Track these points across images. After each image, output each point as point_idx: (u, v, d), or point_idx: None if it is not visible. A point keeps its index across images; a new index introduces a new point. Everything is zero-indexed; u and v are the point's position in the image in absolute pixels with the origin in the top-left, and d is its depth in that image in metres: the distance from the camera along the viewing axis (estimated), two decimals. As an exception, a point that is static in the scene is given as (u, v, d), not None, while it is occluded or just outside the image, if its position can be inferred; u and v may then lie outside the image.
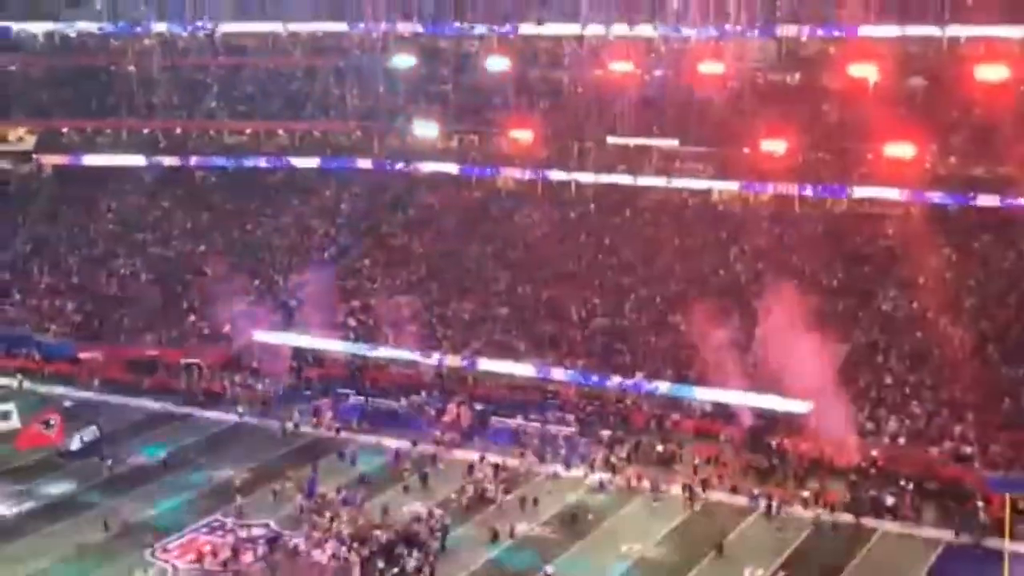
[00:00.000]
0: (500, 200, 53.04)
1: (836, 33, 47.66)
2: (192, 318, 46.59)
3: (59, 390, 42.55)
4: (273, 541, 30.53)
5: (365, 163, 53.56)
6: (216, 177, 55.31)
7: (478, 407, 40.00)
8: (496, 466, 35.03)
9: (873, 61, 47.07)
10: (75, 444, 36.74)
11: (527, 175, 52.42)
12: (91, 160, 55.01)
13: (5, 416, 38.78)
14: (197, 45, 55.49)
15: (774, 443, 35.82)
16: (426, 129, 53.87)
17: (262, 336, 43.97)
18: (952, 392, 36.69)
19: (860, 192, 46.50)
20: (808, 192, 47.24)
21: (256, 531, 31.40)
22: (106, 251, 52.10)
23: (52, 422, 36.87)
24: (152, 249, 51.94)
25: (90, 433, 37.42)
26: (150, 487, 34.40)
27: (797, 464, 34.74)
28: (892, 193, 45.79)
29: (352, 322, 45.51)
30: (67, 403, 40.02)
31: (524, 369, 41.26)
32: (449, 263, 48.69)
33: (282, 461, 36.09)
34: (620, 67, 52.45)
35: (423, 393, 41.23)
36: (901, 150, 45.16)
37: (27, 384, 43.22)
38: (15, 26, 56.36)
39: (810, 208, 47.91)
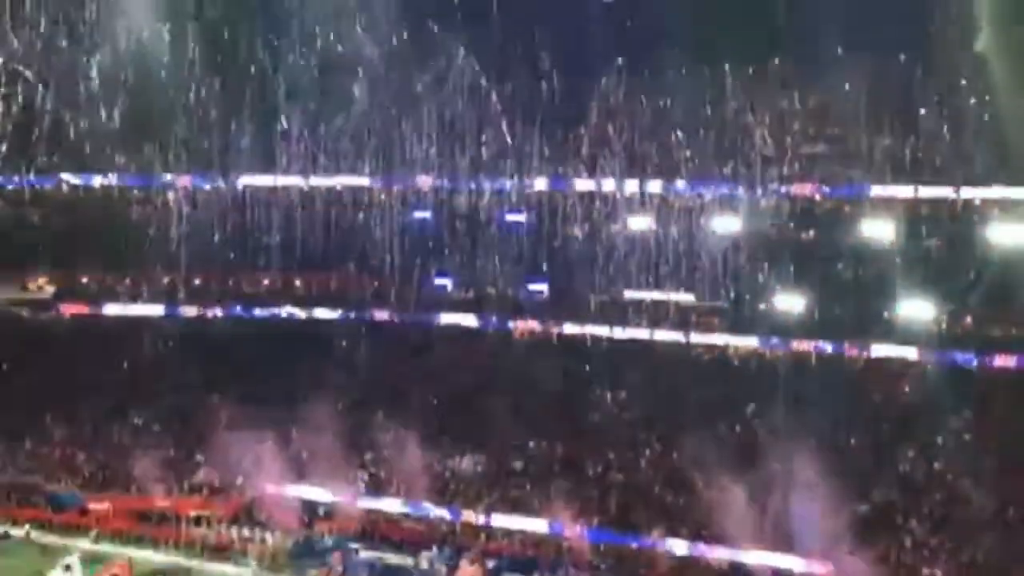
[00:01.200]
0: (516, 352, 53.43)
1: (850, 193, 48.19)
2: (203, 470, 46.29)
3: (67, 541, 41.81)
4: None
5: (382, 315, 53.98)
6: (233, 327, 55.59)
7: (491, 564, 39.35)
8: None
9: (888, 221, 48.00)
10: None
11: (544, 328, 53.00)
12: (110, 310, 55.46)
13: (68, 569, 37.90)
14: (219, 198, 56.27)
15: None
16: (444, 281, 54.65)
17: (273, 488, 43.50)
18: (973, 555, 36.29)
19: (877, 350, 46.94)
20: (825, 348, 47.71)
21: None
22: (120, 400, 51.89)
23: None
24: (167, 399, 52.29)
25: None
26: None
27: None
28: (909, 351, 46.27)
29: (364, 475, 45.22)
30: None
31: (538, 525, 40.89)
32: (464, 415, 48.78)
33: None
34: (636, 222, 53.39)
35: (435, 548, 40.64)
36: (917, 309, 46.18)
37: (35, 534, 42.52)
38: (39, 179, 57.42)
39: (827, 364, 48.56)
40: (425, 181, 54.91)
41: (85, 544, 42.10)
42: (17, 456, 49.17)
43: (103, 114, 51.56)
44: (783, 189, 48.79)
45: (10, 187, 54.21)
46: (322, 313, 54.92)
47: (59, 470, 47.69)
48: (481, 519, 41.90)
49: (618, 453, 44.74)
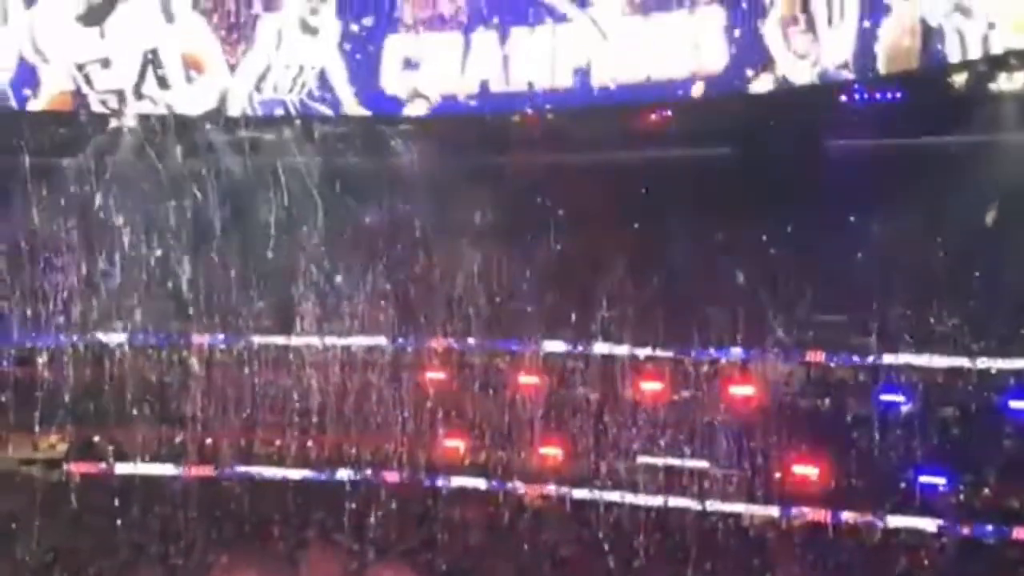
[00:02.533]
0: (527, 517, 52.88)
1: (864, 361, 48.18)
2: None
3: None
4: None
5: (392, 476, 53.61)
6: (241, 487, 55.22)
7: None
8: None
9: (903, 390, 47.88)
10: None
11: (555, 492, 52.51)
12: (121, 469, 55.20)
13: None
14: (235, 357, 56.46)
15: None
16: (454, 443, 54.42)
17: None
18: None
19: (894, 521, 46.34)
20: (842, 519, 47.15)
21: None
22: (126, 562, 51.14)
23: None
24: (173, 560, 51.43)
25: None
26: None
27: None
28: (927, 523, 45.66)
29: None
30: None
31: None
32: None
33: None
34: (650, 386, 53.36)
35: None
36: (935, 479, 45.62)
37: None
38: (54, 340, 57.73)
39: (844, 535, 47.88)
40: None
41: None
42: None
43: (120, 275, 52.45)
44: (797, 355, 48.98)
45: (27, 345, 54.57)
46: (343, 474, 54.33)
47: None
48: None
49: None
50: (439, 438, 53.12)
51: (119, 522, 53.07)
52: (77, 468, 56.68)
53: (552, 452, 51.84)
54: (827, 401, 49.27)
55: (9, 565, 48.98)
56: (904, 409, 47.11)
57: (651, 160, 51.92)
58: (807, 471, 47.07)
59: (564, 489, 51.11)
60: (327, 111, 51.11)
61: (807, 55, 45.89)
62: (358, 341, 54.00)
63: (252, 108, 50.94)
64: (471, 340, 53.01)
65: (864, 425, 47.39)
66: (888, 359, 47.35)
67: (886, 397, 47.22)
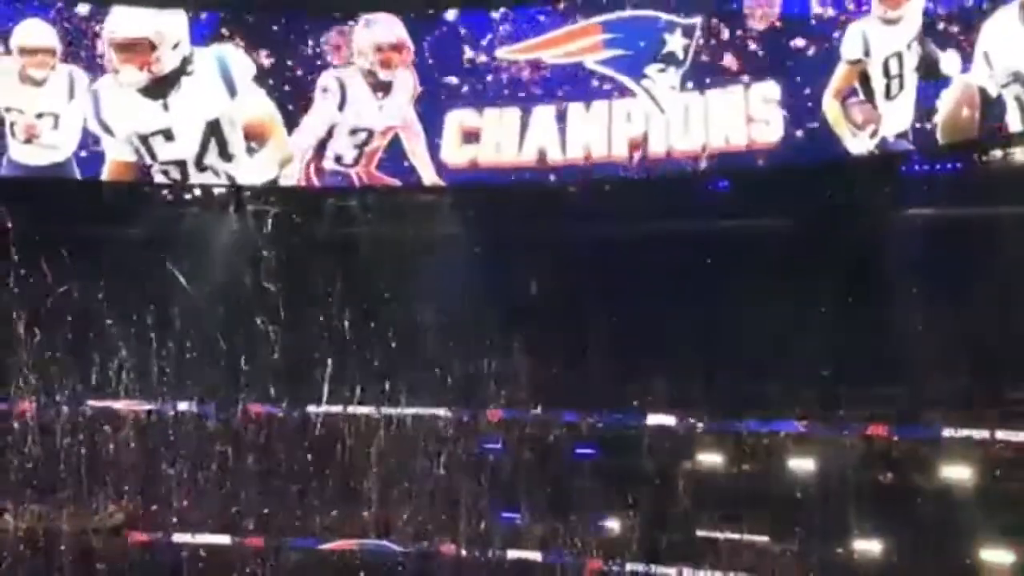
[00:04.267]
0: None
1: (925, 435, 47.43)
2: None
3: None
4: None
5: (448, 549, 53.32)
6: (299, 558, 55.07)
7: None
8: None
9: (965, 464, 46.98)
10: None
11: (614, 567, 51.95)
12: (178, 538, 55.33)
13: None
14: (292, 428, 56.57)
15: None
16: (511, 516, 54.04)
17: None
18: None
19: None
20: (905, 595, 46.22)
21: None
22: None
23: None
24: None
25: None
26: None
27: None
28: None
29: None
30: None
31: None
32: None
33: None
34: (708, 458, 52.84)
35: None
36: (1000, 556, 44.62)
37: None
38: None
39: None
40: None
41: None
42: None
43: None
44: (858, 429, 48.35)
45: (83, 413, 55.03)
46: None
47: None
48: None
49: None
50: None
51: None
52: (134, 537, 57.05)
53: (609, 525, 51.54)
54: (889, 475, 48.61)
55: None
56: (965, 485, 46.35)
57: (708, 232, 51.85)
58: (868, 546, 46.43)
59: (621, 562, 50.80)
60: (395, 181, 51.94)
61: (865, 126, 45.94)
62: (419, 411, 54.11)
63: (314, 178, 51.80)
64: (528, 410, 52.88)
65: (927, 501, 46.78)
66: (950, 432, 46.78)
67: (947, 472, 46.49)
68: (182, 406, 54.52)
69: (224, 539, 55.29)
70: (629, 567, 50.23)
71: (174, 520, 54.80)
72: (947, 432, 46.35)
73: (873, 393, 48.02)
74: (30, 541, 54.27)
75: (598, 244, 52.81)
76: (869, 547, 45.96)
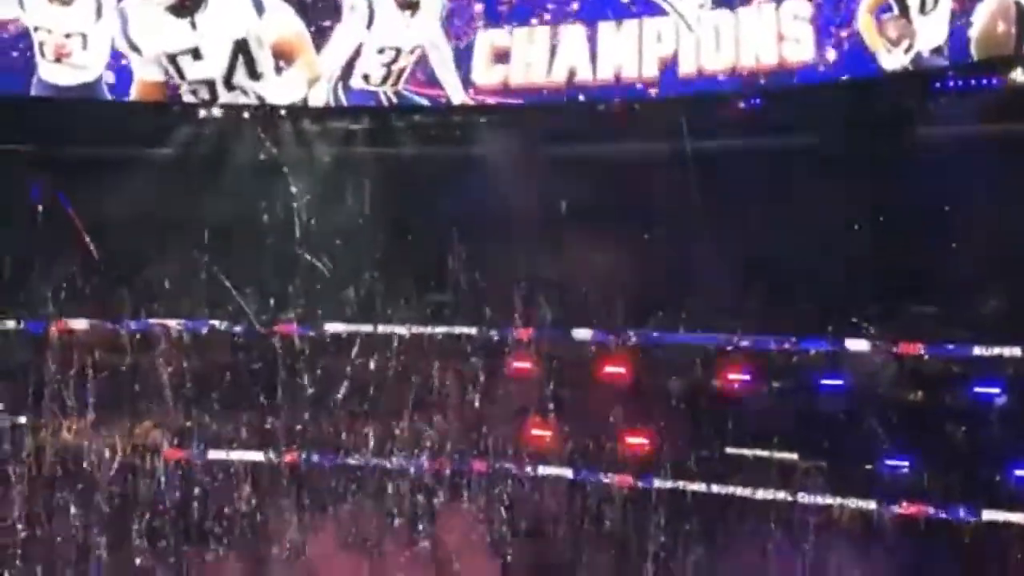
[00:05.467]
0: (614, 507, 52.75)
1: (958, 353, 47.43)
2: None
3: None
4: None
5: (480, 466, 53.77)
6: (328, 474, 55.68)
7: None
8: None
9: (998, 382, 46.99)
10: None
11: (641, 482, 52.37)
12: (213, 455, 55.98)
13: None
14: (317, 346, 56.81)
15: None
16: (542, 432, 54.39)
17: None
18: None
19: (988, 515, 45.53)
20: (934, 512, 46.43)
21: None
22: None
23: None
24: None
25: None
26: None
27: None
28: (1021, 517, 44.78)
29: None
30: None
31: None
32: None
33: None
34: (738, 377, 52.93)
35: None
36: (1030, 472, 44.92)
37: None
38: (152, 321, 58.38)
39: (936, 529, 47.09)
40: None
41: None
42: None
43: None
44: (890, 347, 48.38)
45: (122, 331, 55.44)
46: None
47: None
48: None
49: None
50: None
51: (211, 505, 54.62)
52: (170, 454, 57.78)
53: (639, 442, 51.79)
54: (920, 394, 48.69)
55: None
56: (999, 402, 46.47)
57: (739, 149, 51.72)
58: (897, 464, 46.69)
59: (650, 479, 51.20)
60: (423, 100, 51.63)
61: (900, 42, 45.48)
62: (449, 329, 54.41)
63: (340, 98, 51.79)
64: (560, 331, 53.08)
65: (958, 419, 46.92)
66: (981, 351, 46.76)
67: (981, 390, 46.54)
68: (216, 324, 54.88)
69: (258, 456, 56.02)
70: (658, 483, 50.63)
71: (209, 438, 55.55)
72: (978, 350, 46.45)
73: (905, 311, 48.06)
74: (66, 458, 55.13)
75: (628, 163, 52.66)
76: (898, 465, 46.14)
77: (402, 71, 51.00)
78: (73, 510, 49.51)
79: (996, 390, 46.02)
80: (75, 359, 51.81)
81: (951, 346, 46.72)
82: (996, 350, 45.85)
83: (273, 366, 54.56)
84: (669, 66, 49.45)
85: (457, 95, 51.28)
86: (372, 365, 53.96)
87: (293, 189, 53.69)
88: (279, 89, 50.88)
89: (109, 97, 50.64)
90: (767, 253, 49.12)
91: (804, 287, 48.85)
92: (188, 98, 51.26)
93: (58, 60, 49.54)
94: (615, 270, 51.49)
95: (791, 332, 49.04)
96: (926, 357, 47.84)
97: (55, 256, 51.12)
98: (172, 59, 50.18)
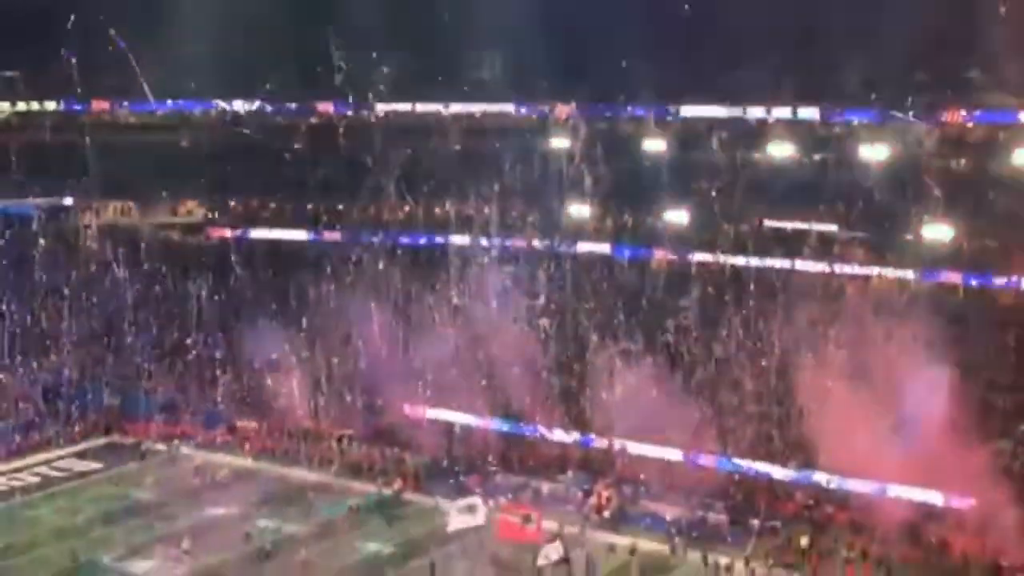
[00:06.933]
0: (654, 281, 52.94)
1: (1003, 119, 46.41)
2: (348, 394, 46.33)
3: (216, 457, 43.68)
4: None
5: (519, 242, 53.83)
6: (372, 253, 56.00)
7: (626, 490, 39.45)
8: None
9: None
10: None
11: (681, 257, 52.39)
12: (256, 234, 56.57)
13: (471, 510, 34.89)
14: (359, 125, 56.65)
15: (933, 539, 34.51)
16: (581, 209, 54.41)
17: (414, 411, 44.24)
18: None
19: (1029, 283, 45.21)
20: (973, 282, 46.21)
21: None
22: (265, 322, 51.42)
23: (533, 518, 34.45)
24: (313, 320, 51.71)
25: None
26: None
27: (959, 561, 33.73)
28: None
29: (502, 400, 44.85)
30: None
31: (673, 454, 40.17)
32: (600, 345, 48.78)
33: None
34: (779, 150, 52.28)
35: (570, 473, 40.71)
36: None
37: (184, 450, 44.40)
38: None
39: (975, 298, 47.32)
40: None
41: (237, 461, 43.58)
42: (169, 375, 51.24)
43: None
44: (932, 115, 47.37)
45: (161, 112, 55.63)
46: (459, 240, 54.28)
47: (210, 389, 48.95)
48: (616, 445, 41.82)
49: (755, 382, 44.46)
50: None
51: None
52: (214, 232, 58.45)
53: (677, 218, 51.69)
54: (962, 162, 47.90)
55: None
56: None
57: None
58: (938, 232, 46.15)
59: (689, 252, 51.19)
60: None
61: None
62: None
63: None
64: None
65: (1000, 187, 46.17)
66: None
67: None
68: (251, 105, 54.91)
69: (301, 234, 56.53)
70: (697, 257, 50.65)
71: (253, 217, 56.20)
72: (1023, 116, 45.44)
73: (948, 78, 46.84)
74: (113, 235, 55.99)
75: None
76: (938, 233, 45.59)
77: None
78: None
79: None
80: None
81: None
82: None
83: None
84: None
85: None
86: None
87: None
88: None
89: None
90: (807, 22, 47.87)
91: (845, 56, 47.51)
92: None
93: None
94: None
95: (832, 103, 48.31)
96: (969, 124, 47.07)
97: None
98: None
